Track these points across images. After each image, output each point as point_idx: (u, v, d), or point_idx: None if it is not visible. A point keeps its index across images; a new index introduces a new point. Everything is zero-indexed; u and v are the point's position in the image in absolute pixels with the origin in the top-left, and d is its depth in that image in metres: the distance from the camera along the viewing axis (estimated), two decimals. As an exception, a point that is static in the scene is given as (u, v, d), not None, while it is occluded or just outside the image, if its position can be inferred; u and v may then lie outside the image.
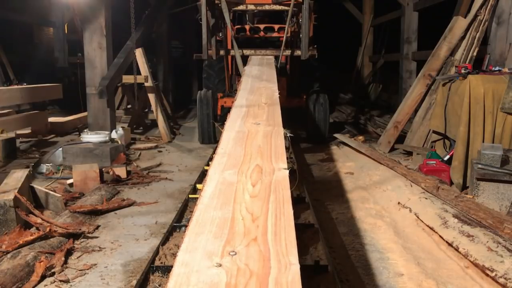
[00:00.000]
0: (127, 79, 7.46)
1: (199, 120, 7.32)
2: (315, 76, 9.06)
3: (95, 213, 3.98)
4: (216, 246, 1.30)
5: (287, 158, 2.15)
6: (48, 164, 5.49)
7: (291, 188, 1.70)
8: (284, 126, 2.64)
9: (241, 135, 2.40)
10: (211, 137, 7.32)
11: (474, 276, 2.83)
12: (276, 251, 1.27)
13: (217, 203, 1.57)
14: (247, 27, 7.98)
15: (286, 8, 6.70)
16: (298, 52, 6.82)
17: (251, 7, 6.84)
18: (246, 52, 6.84)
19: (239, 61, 6.64)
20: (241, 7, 6.80)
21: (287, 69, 8.16)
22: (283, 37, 6.73)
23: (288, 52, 6.98)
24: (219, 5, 6.55)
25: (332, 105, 10.13)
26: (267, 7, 6.79)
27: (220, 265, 1.20)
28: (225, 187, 1.71)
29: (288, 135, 2.68)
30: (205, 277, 1.14)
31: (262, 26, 7.92)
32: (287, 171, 1.85)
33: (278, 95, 3.51)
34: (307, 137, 7.68)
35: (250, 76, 4.69)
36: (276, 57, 6.60)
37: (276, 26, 7.82)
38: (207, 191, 1.68)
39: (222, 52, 7.10)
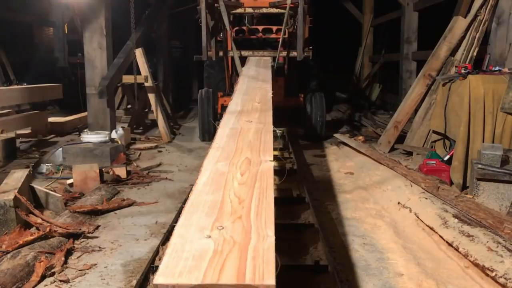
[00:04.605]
0: (127, 79, 7.47)
1: (199, 118, 7.40)
2: (313, 74, 9.15)
3: (95, 213, 3.98)
4: (207, 222, 1.50)
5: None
6: (48, 164, 5.49)
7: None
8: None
9: (234, 132, 2.59)
10: (211, 135, 7.34)
11: (474, 276, 2.83)
12: (256, 226, 1.47)
13: (209, 189, 1.78)
14: (245, 28, 8.01)
15: (282, 11, 6.80)
16: (294, 53, 6.94)
17: (249, 10, 6.98)
18: (245, 53, 6.97)
19: (237, 62, 6.75)
20: (239, 10, 6.92)
21: (285, 69, 8.19)
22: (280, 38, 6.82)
23: (285, 53, 7.07)
24: (219, 8, 6.62)
25: (332, 105, 10.14)
26: (264, 10, 6.95)
27: (210, 237, 1.40)
28: (217, 176, 1.92)
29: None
30: (197, 246, 1.36)
31: (260, 28, 7.96)
32: (272, 163, 2.07)
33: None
34: (305, 135, 7.74)
35: (247, 76, 4.77)
36: (274, 58, 6.71)
37: (274, 28, 7.87)
38: (201, 179, 1.89)
39: (221, 53, 7.17)
